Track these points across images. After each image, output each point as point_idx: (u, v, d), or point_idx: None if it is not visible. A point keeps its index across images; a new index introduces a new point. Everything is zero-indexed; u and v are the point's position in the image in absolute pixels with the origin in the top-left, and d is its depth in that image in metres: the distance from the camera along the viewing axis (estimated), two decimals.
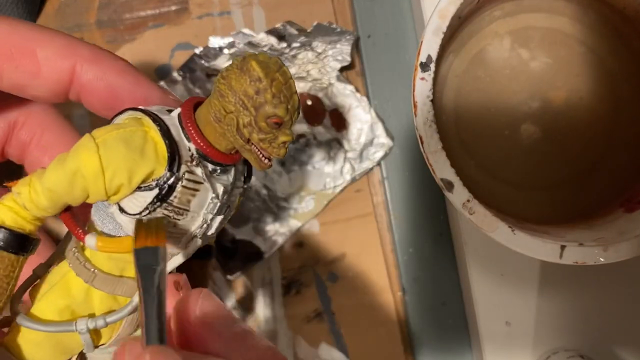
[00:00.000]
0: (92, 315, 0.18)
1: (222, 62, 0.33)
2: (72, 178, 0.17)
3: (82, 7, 0.35)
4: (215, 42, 0.33)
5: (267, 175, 0.34)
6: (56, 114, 0.22)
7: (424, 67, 0.25)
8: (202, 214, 0.18)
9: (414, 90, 0.25)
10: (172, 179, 0.17)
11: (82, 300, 0.18)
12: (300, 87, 0.34)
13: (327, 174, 0.34)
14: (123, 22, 0.35)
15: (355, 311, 0.34)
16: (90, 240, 0.18)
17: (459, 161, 0.29)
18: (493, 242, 0.25)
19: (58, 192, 0.17)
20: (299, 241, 0.34)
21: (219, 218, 0.19)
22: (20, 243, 0.17)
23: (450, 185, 0.24)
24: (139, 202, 0.17)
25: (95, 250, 0.18)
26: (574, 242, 0.25)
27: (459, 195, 0.24)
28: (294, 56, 0.34)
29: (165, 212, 0.17)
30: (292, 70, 0.34)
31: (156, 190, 0.17)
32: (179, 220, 0.18)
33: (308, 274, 0.34)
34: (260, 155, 0.17)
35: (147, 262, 0.16)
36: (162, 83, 0.34)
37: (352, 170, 0.34)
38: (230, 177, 0.19)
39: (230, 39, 0.33)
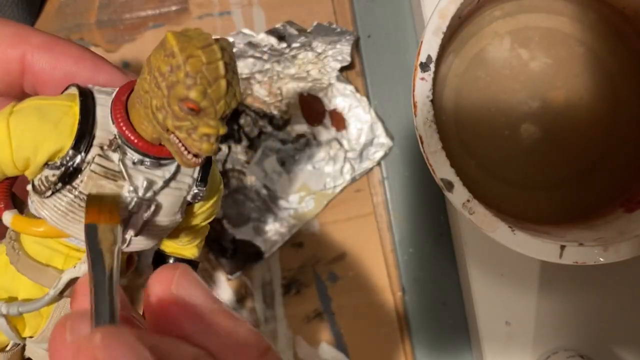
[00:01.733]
0: (12, 301, 0.17)
1: None
2: None
3: (82, 7, 0.35)
4: None
5: (267, 175, 0.34)
6: None
7: (424, 67, 0.25)
8: (125, 209, 0.16)
9: (413, 90, 0.25)
10: (77, 159, 0.16)
11: (8, 282, 0.17)
12: (301, 87, 0.34)
13: (327, 174, 0.34)
14: (123, 22, 0.35)
15: (355, 311, 0.34)
16: (6, 216, 0.17)
17: (458, 161, 0.29)
18: (493, 242, 0.25)
19: None
20: (299, 241, 0.34)
21: (135, 230, 0.16)
22: None
23: (450, 185, 0.24)
24: (46, 181, 0.16)
25: (10, 228, 0.17)
26: (573, 242, 0.25)
27: (459, 195, 0.24)
28: (294, 56, 0.34)
29: (71, 196, 0.16)
30: (292, 71, 0.34)
31: (62, 169, 0.16)
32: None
33: (308, 274, 0.34)
34: (182, 148, 0.15)
35: (98, 240, 0.15)
36: None
37: (352, 170, 0.34)
38: (166, 174, 0.17)
39: (230, 39, 0.33)
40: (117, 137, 0.16)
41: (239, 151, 0.34)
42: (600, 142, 0.29)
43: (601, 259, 0.24)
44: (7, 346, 0.18)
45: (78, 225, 0.16)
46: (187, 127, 0.14)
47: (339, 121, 0.34)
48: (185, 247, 0.21)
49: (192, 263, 0.21)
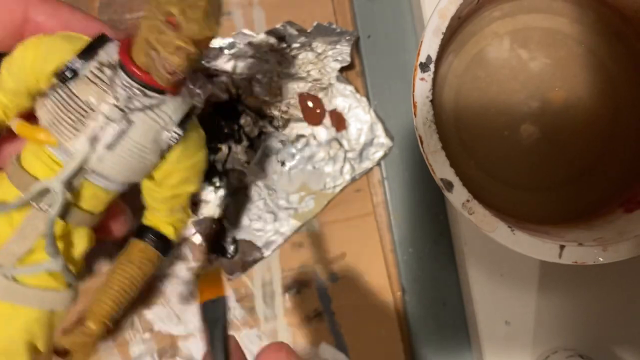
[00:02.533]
0: None
1: (223, 62, 0.34)
2: (17, 52, 0.20)
3: (82, 7, 0.35)
4: (215, 42, 0.33)
5: (267, 175, 0.34)
6: None
7: (424, 67, 0.25)
8: (93, 116, 0.19)
9: (413, 91, 0.25)
10: (77, 64, 0.19)
11: None
12: (301, 87, 0.34)
13: (327, 173, 0.34)
14: (123, 22, 0.35)
15: (355, 311, 0.34)
16: (14, 122, 0.20)
17: (458, 161, 0.29)
18: (493, 242, 0.25)
19: (7, 61, 0.20)
20: (299, 241, 0.34)
21: (114, 128, 0.19)
22: None
23: (449, 185, 0.24)
24: (51, 85, 0.19)
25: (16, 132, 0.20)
26: (573, 242, 0.25)
27: (458, 195, 0.24)
28: (294, 57, 0.34)
29: (63, 94, 0.19)
30: (292, 71, 0.34)
31: (63, 71, 0.19)
32: (74, 107, 0.19)
33: (308, 273, 0.34)
34: (160, 65, 0.18)
35: (214, 315, 0.17)
36: None
37: (352, 170, 0.34)
38: (148, 102, 0.19)
39: (231, 40, 0.33)
40: (118, 62, 0.19)
41: (239, 151, 0.34)
42: (599, 142, 0.29)
43: (601, 259, 0.24)
44: None
45: (63, 124, 0.19)
46: (165, 41, 0.18)
47: (339, 121, 0.34)
48: (163, 222, 0.23)
49: (166, 242, 0.23)
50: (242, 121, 0.34)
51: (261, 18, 0.35)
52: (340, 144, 0.34)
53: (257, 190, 0.34)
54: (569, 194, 0.29)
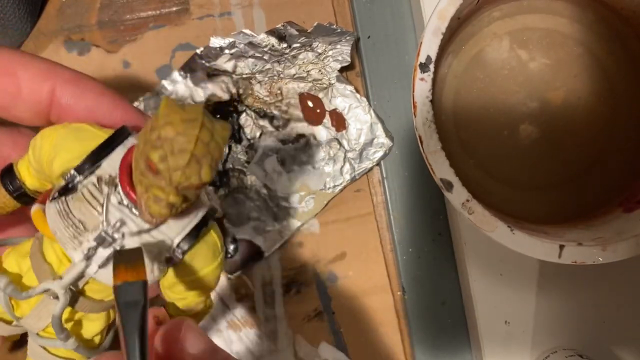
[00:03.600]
0: (16, 278, 0.19)
1: (223, 62, 0.34)
2: (37, 139, 0.19)
3: (83, 7, 0.35)
4: (216, 42, 0.33)
5: (267, 175, 0.34)
6: None
7: (423, 67, 0.25)
8: (86, 236, 0.17)
9: (413, 91, 0.25)
10: (75, 179, 0.18)
11: (23, 266, 0.19)
12: (301, 87, 0.34)
13: (327, 173, 0.34)
14: (124, 22, 0.35)
15: (355, 310, 0.34)
16: (34, 207, 0.19)
17: (458, 161, 0.29)
18: (492, 242, 0.25)
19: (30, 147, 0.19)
20: (299, 241, 0.34)
21: (104, 252, 0.17)
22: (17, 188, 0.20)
23: (449, 185, 0.24)
24: (55, 191, 0.18)
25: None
26: (572, 242, 0.25)
27: (458, 195, 0.24)
28: (295, 57, 0.34)
29: (61, 207, 0.18)
30: (293, 71, 0.34)
31: (63, 182, 0.18)
32: (69, 223, 0.18)
33: (308, 273, 0.34)
34: (141, 205, 0.16)
35: (130, 299, 0.15)
36: (163, 83, 0.34)
37: (351, 170, 0.34)
38: (153, 231, 0.18)
39: (231, 39, 0.33)
40: (117, 177, 0.17)
41: (239, 151, 0.34)
42: (598, 142, 0.29)
43: (600, 259, 0.25)
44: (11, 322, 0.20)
45: (63, 234, 0.18)
46: (146, 184, 0.16)
47: (339, 121, 0.34)
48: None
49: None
50: (242, 121, 0.34)
51: (261, 18, 0.35)
52: (340, 144, 0.34)
53: (257, 190, 0.34)
54: (568, 194, 0.29)
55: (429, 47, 0.25)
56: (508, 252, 0.25)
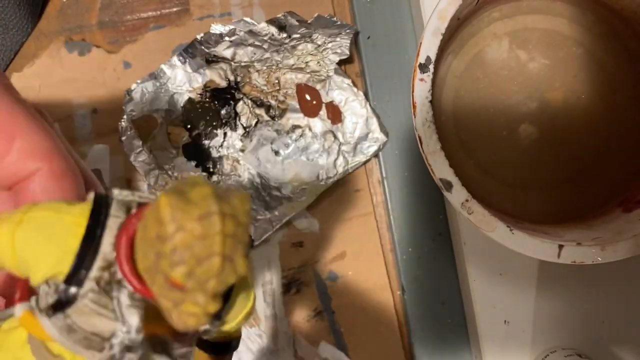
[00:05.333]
0: None
1: (222, 49, 0.34)
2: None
3: (83, 8, 0.35)
4: (216, 28, 0.33)
5: (260, 164, 0.34)
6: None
7: (423, 68, 0.25)
8: (109, 343, 0.14)
9: (413, 91, 0.25)
10: (70, 292, 0.14)
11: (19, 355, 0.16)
12: (299, 78, 0.34)
13: (320, 165, 0.34)
14: (124, 23, 0.35)
15: (355, 310, 0.34)
16: (18, 309, 0.15)
17: (457, 161, 0.29)
18: (492, 242, 0.25)
19: None
20: (299, 241, 0.34)
21: (133, 357, 0.15)
22: None
23: (449, 185, 0.25)
24: (45, 296, 0.15)
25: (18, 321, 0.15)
26: (572, 242, 0.25)
27: (457, 195, 0.24)
28: (294, 47, 0.34)
29: (64, 322, 0.14)
30: (291, 61, 0.34)
31: (55, 298, 0.14)
32: (79, 337, 0.15)
33: (308, 273, 0.34)
34: (174, 319, 0.13)
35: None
36: (162, 67, 0.33)
37: (345, 163, 0.34)
38: None
39: (232, 27, 0.33)
40: (118, 272, 0.14)
41: (234, 138, 0.34)
42: (598, 142, 0.29)
43: (599, 259, 0.25)
44: None
45: (72, 347, 0.15)
46: (174, 299, 0.13)
47: (335, 114, 0.34)
48: None
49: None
50: (238, 109, 0.34)
51: (261, 18, 0.35)
52: (335, 137, 0.34)
53: (250, 178, 0.34)
54: (568, 194, 0.29)
55: (429, 47, 0.25)
56: (507, 252, 0.25)
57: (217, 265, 0.12)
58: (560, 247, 0.25)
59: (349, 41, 0.33)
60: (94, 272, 0.14)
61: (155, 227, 0.12)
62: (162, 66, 0.33)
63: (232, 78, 0.34)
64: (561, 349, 0.30)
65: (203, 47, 0.34)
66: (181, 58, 0.34)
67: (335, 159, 0.34)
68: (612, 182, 0.29)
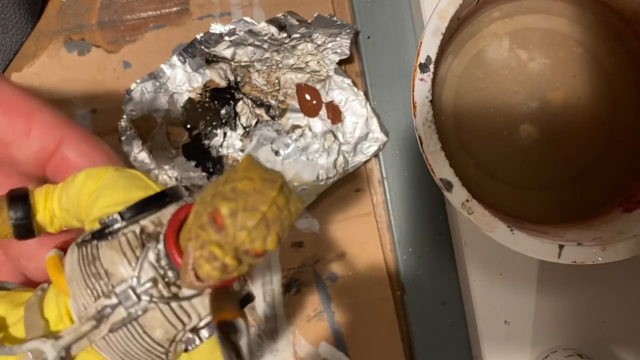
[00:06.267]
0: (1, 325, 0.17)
1: (222, 49, 0.34)
2: (79, 175, 0.17)
3: (83, 8, 0.35)
4: (216, 28, 0.33)
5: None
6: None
7: (423, 67, 0.25)
8: (112, 290, 0.15)
9: (413, 91, 0.25)
10: (115, 225, 0.16)
11: (12, 315, 0.17)
12: (299, 77, 0.34)
13: (320, 165, 0.34)
14: (124, 23, 0.35)
15: (355, 310, 0.34)
16: (51, 252, 0.17)
17: (458, 161, 0.29)
18: (492, 242, 0.25)
19: (66, 185, 0.17)
20: (299, 241, 0.34)
21: (116, 324, 0.16)
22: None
23: (449, 185, 0.24)
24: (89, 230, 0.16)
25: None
26: (572, 242, 0.25)
27: (458, 195, 0.24)
28: (294, 47, 0.34)
29: (89, 250, 0.16)
30: (291, 61, 0.34)
31: (99, 227, 0.16)
32: (92, 272, 0.16)
33: (308, 273, 0.34)
34: (190, 263, 0.14)
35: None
36: (161, 66, 0.33)
37: (345, 164, 0.34)
38: (182, 294, 0.16)
39: (232, 27, 0.33)
40: (162, 238, 0.16)
41: (234, 138, 0.34)
42: (598, 142, 0.29)
43: (600, 259, 0.25)
44: None
45: (79, 285, 0.16)
46: (204, 239, 0.14)
47: (335, 114, 0.34)
48: None
49: None
50: (238, 108, 0.34)
51: (261, 18, 0.35)
52: (335, 137, 0.34)
53: None
54: (568, 194, 0.29)
55: (429, 47, 0.25)
56: (508, 252, 0.25)
57: (257, 219, 0.13)
58: (561, 247, 0.25)
59: (349, 41, 0.33)
60: (145, 220, 0.16)
61: (226, 175, 0.14)
62: (162, 66, 0.33)
63: (232, 78, 0.34)
64: (562, 349, 0.30)
65: (203, 47, 0.34)
66: (181, 58, 0.34)
67: (335, 159, 0.34)
68: (612, 182, 0.29)
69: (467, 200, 0.24)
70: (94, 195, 0.17)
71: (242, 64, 0.34)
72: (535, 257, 0.25)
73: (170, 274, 0.16)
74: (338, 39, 0.33)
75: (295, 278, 0.34)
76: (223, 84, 0.34)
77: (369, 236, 0.34)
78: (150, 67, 0.34)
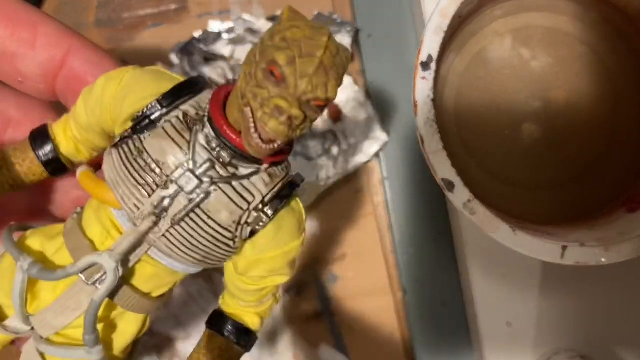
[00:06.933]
0: (40, 259, 0.16)
1: (221, 47, 0.33)
2: (98, 82, 0.16)
3: (81, 6, 0.35)
4: (214, 26, 0.33)
5: None
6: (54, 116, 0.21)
7: (425, 66, 0.25)
8: (167, 178, 0.15)
9: (414, 90, 0.25)
10: (156, 112, 0.15)
11: (50, 246, 0.17)
12: None
13: (320, 165, 0.34)
14: (122, 21, 0.35)
15: (355, 312, 0.34)
16: (80, 168, 0.17)
17: (459, 161, 0.29)
18: (494, 243, 0.25)
19: (83, 96, 0.17)
20: None
21: (187, 201, 0.15)
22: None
23: (451, 186, 0.24)
24: (123, 132, 0.16)
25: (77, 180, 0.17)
26: (575, 243, 0.25)
27: (459, 196, 0.24)
28: None
29: (131, 147, 0.15)
30: None
31: (139, 118, 0.15)
32: (140, 165, 0.15)
33: (308, 274, 0.34)
34: (251, 124, 0.14)
35: None
36: (159, 65, 0.33)
37: (345, 164, 0.34)
38: (233, 171, 0.15)
39: (230, 24, 0.33)
40: (207, 114, 0.15)
41: None
42: (601, 142, 0.29)
43: (603, 260, 0.24)
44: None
45: (127, 185, 0.15)
46: (263, 97, 0.13)
47: (335, 113, 0.34)
48: (247, 311, 0.18)
49: (250, 335, 0.18)
50: None
51: (260, 16, 0.35)
52: (336, 136, 0.34)
53: None
54: (571, 194, 0.29)
55: (431, 45, 0.25)
56: (510, 253, 0.25)
57: (315, 63, 0.13)
58: (564, 248, 0.24)
59: (350, 39, 0.33)
60: (185, 105, 0.15)
61: (270, 30, 0.13)
62: (160, 65, 0.33)
63: (230, 76, 0.34)
64: (564, 350, 0.30)
65: (201, 45, 0.33)
66: (179, 56, 0.33)
67: (336, 159, 0.34)
68: (615, 181, 0.29)
69: (469, 201, 0.24)
70: (120, 95, 0.16)
71: (241, 62, 0.34)
72: (538, 258, 0.24)
73: (224, 153, 0.15)
74: (338, 37, 0.33)
75: (295, 279, 0.34)
76: (222, 82, 0.34)
77: (369, 237, 0.34)
78: (148, 65, 0.34)
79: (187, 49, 0.33)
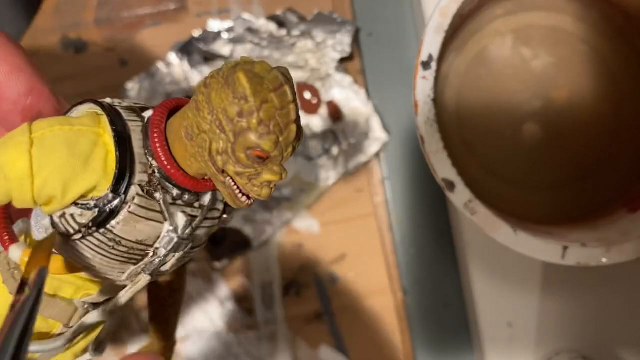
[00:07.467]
0: None
1: (221, 47, 0.33)
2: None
3: (80, 5, 0.35)
4: (214, 25, 0.33)
5: None
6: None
7: (426, 65, 0.24)
8: (153, 249, 0.15)
9: (415, 89, 0.25)
10: (115, 202, 0.14)
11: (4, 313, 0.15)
12: (299, 76, 0.34)
13: (320, 165, 0.34)
14: (121, 20, 0.35)
15: (355, 312, 0.33)
16: (14, 251, 0.15)
17: (460, 161, 0.29)
18: (495, 243, 0.24)
19: None
20: (299, 242, 0.34)
21: (177, 255, 0.15)
22: None
23: (451, 186, 0.24)
24: (72, 220, 0.14)
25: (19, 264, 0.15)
26: (576, 243, 0.24)
27: (460, 196, 0.24)
28: (294, 44, 0.33)
29: (104, 239, 0.14)
30: (291, 59, 0.34)
31: (95, 212, 0.14)
32: (121, 251, 0.15)
33: (308, 275, 0.34)
34: (237, 191, 0.14)
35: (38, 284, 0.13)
36: (158, 65, 0.33)
37: (345, 163, 0.33)
38: (203, 203, 0.15)
39: (230, 23, 0.33)
40: (157, 172, 0.14)
41: None
42: (603, 141, 0.29)
43: (604, 260, 0.24)
44: None
45: (109, 267, 0.15)
46: (250, 174, 0.13)
47: (335, 112, 0.34)
48: None
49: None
50: None
51: (260, 15, 0.35)
52: (336, 136, 0.34)
53: None
54: (572, 194, 0.29)
55: (431, 45, 0.25)
56: (511, 253, 0.24)
57: (294, 131, 0.13)
58: (565, 248, 0.24)
59: (349, 39, 0.33)
60: (137, 176, 0.14)
61: (235, 106, 0.13)
62: (159, 64, 0.33)
63: None
64: (566, 351, 0.30)
65: (201, 45, 0.33)
66: (178, 55, 0.33)
67: (336, 159, 0.34)
68: (617, 181, 0.29)
69: (470, 201, 0.24)
70: (46, 194, 0.14)
71: None
72: (539, 258, 0.24)
73: (191, 197, 0.15)
74: (338, 36, 0.33)
75: (295, 280, 0.34)
76: None
77: (369, 237, 0.34)
78: (147, 64, 0.34)
79: (186, 48, 0.33)
